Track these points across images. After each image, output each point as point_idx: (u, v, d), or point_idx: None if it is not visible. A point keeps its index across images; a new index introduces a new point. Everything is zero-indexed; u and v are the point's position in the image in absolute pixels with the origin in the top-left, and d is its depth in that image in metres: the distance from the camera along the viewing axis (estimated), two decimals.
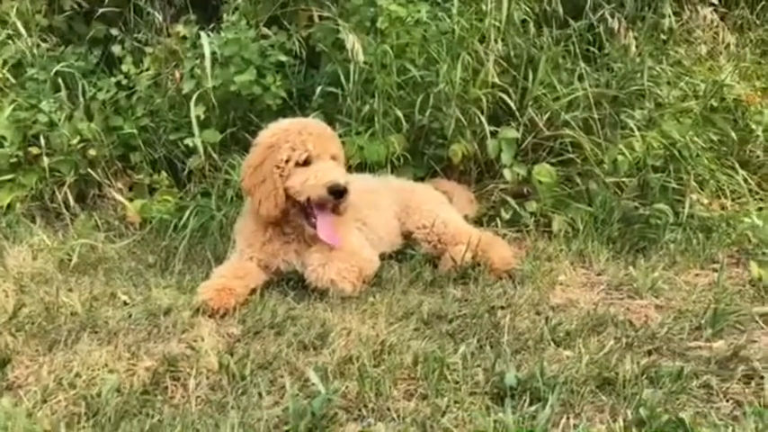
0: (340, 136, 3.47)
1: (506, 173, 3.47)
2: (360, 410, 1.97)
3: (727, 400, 2.04)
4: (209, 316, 2.52)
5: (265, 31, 3.67)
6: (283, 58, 3.58)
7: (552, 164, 3.50)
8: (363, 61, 3.37)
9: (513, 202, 3.44)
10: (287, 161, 2.75)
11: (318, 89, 3.60)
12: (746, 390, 2.08)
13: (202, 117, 3.46)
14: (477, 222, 3.39)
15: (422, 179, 3.52)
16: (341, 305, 2.61)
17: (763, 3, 4.45)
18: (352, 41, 3.31)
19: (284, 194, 2.76)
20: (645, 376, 2.09)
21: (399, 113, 3.46)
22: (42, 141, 3.58)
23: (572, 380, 2.05)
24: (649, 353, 2.29)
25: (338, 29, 3.48)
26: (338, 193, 2.71)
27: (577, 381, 2.06)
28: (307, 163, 2.76)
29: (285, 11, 3.84)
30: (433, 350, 2.23)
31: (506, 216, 3.43)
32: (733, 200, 3.61)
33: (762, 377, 2.11)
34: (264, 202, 2.75)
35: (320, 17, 3.71)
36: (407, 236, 3.15)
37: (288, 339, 2.34)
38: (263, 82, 3.51)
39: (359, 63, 3.37)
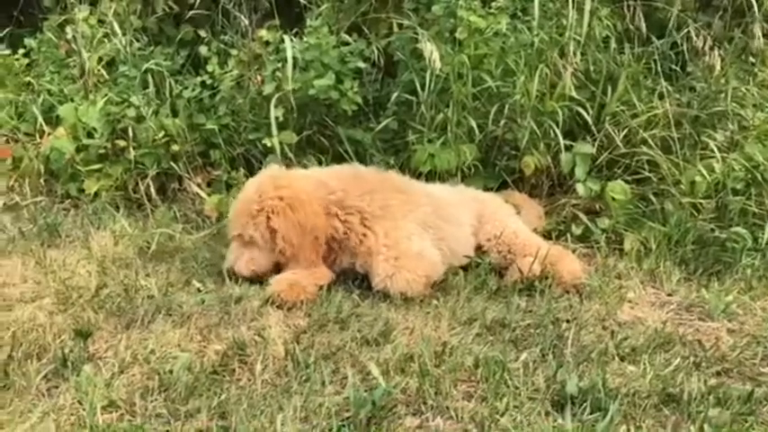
0: (412, 143, 3.55)
1: (579, 188, 3.42)
2: (419, 406, 2.00)
3: None
4: (278, 307, 2.60)
5: (346, 37, 3.76)
6: (362, 64, 3.66)
7: (627, 181, 3.43)
8: (440, 70, 3.41)
9: (584, 217, 3.40)
10: None
11: (394, 96, 3.66)
12: None
13: (281, 119, 3.57)
14: (547, 236, 3.35)
15: (491, 189, 3.52)
16: (404, 305, 2.65)
17: None
18: (430, 50, 3.35)
19: None
20: (712, 396, 2.04)
21: (473, 123, 3.47)
22: (130, 135, 3.76)
23: (635, 393, 2.03)
24: (718, 374, 2.23)
25: (417, 38, 3.53)
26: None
27: (640, 394, 2.03)
28: None
29: (366, 18, 3.93)
30: (495, 355, 2.23)
31: (577, 232, 3.38)
32: None
33: None
34: None
35: (400, 26, 3.78)
36: (478, 247, 3.13)
37: (351, 334, 2.39)
38: (341, 87, 3.59)
39: (435, 72, 3.41)
